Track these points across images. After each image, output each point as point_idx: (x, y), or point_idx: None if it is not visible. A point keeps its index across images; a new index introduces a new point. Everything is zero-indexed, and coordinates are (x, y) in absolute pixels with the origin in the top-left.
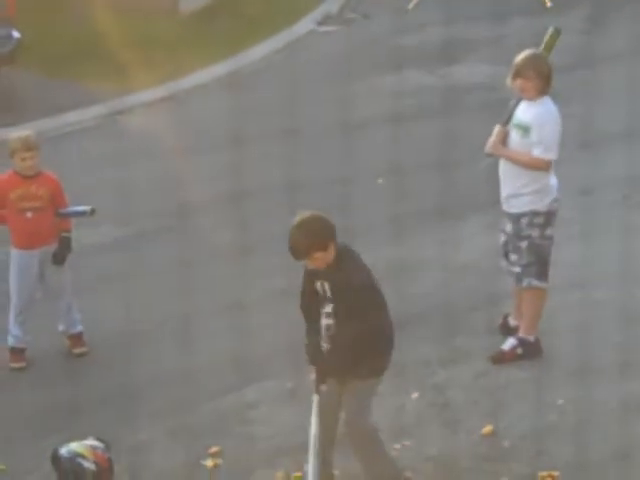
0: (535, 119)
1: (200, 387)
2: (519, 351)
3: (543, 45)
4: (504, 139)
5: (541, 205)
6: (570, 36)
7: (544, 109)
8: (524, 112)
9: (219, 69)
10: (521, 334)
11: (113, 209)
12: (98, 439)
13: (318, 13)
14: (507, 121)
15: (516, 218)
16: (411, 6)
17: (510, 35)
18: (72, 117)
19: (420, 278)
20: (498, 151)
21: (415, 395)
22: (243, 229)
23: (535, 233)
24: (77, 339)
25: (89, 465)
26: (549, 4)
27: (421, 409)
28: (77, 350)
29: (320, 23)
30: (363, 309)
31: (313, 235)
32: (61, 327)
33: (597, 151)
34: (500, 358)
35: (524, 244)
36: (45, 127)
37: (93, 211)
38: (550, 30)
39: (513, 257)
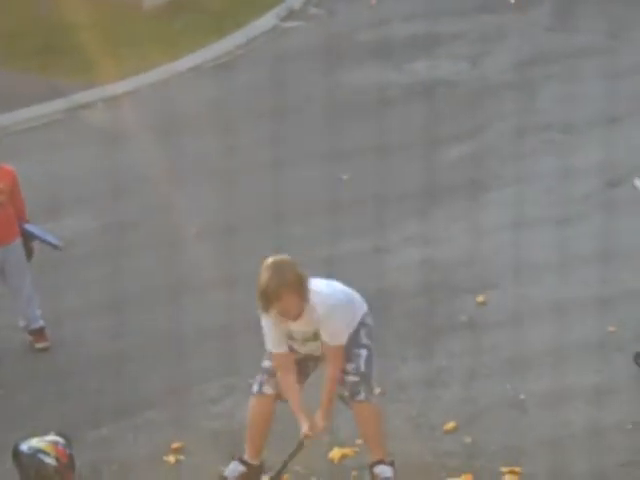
0: (318, 322)
1: (163, 382)
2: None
3: None
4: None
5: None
6: (535, 32)
7: (325, 308)
8: (306, 325)
9: (182, 64)
10: (381, 457)
11: (75, 203)
12: (59, 434)
13: (282, 9)
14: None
15: (353, 331)
16: (374, 1)
17: (473, 31)
18: (34, 111)
19: (377, 272)
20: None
21: (377, 391)
22: (209, 216)
23: (372, 345)
24: (39, 334)
25: (50, 461)
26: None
27: (383, 405)
28: (39, 345)
29: (283, 18)
30: None
31: None
32: (22, 322)
33: (565, 147)
34: None
35: (364, 352)
36: (8, 121)
37: (61, 248)
38: None
39: (350, 366)
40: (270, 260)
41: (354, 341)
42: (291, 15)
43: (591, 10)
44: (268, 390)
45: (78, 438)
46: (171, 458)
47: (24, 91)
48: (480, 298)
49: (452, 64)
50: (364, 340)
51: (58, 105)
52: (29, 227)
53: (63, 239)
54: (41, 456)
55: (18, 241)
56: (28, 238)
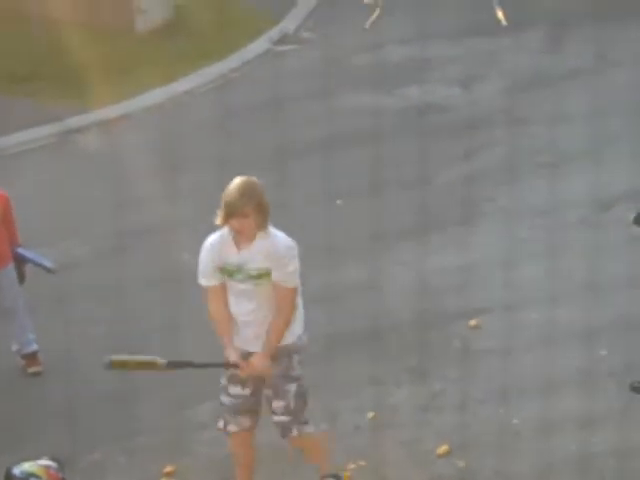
0: (274, 258)
1: (156, 406)
2: None
3: None
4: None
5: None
6: (527, 56)
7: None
8: (252, 260)
9: (177, 87)
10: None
11: (69, 228)
12: (52, 458)
13: (275, 32)
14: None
15: (286, 353)
16: (368, 25)
17: (466, 54)
18: (27, 135)
19: (371, 297)
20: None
21: (371, 415)
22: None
23: (302, 374)
24: (32, 358)
25: None
26: (504, 23)
27: (377, 429)
28: (32, 369)
29: (276, 42)
30: None
31: None
32: (15, 346)
33: (557, 171)
34: None
35: (293, 388)
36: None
37: (55, 271)
38: None
39: (279, 404)
40: (244, 178)
41: (285, 374)
42: (284, 39)
43: (581, 33)
44: (233, 428)
45: (71, 462)
46: None
47: (16, 115)
48: (473, 322)
49: (445, 88)
50: (296, 371)
51: (50, 129)
52: (22, 251)
53: (57, 263)
54: None
55: (11, 265)
56: (21, 262)
